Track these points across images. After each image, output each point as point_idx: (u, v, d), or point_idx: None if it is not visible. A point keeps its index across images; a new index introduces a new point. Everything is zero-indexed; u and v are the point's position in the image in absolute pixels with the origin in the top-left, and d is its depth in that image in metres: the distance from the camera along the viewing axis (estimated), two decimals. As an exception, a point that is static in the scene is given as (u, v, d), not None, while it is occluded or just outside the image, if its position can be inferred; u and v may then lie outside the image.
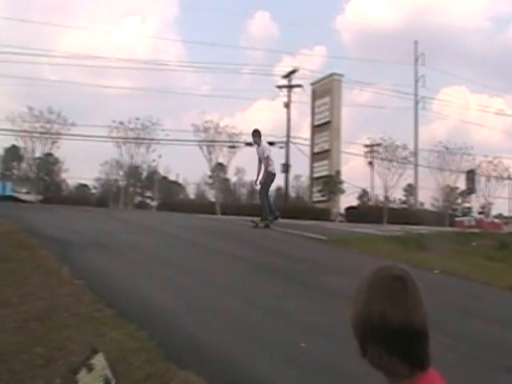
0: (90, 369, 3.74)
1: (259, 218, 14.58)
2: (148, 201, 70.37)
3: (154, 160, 50.21)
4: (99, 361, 3.77)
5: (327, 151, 44.88)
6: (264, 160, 14.29)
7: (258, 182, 14.71)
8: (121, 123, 44.35)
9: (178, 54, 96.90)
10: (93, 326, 4.81)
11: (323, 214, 35.03)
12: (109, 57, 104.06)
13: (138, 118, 44.17)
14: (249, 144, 45.15)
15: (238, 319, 5.78)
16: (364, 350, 1.56)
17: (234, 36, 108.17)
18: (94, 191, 72.99)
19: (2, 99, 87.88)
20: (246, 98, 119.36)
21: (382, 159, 43.75)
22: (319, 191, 44.39)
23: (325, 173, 44.46)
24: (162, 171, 67.01)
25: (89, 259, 8.02)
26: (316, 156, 45.96)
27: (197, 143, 43.75)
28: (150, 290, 6.69)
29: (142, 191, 72.39)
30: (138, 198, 68.60)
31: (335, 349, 5.00)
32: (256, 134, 14.82)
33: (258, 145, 14.59)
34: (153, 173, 65.12)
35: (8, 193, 45.34)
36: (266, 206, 14.42)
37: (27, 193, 50.87)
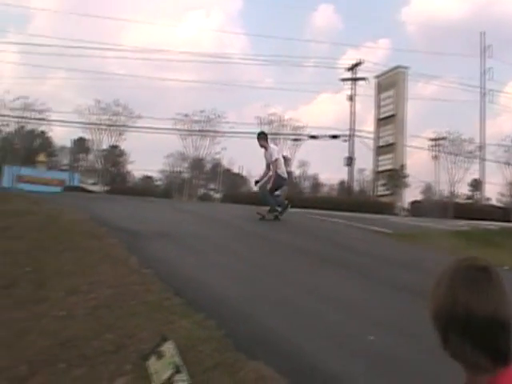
0: (160, 356, 3.80)
1: (267, 210, 13.35)
2: (211, 193, 71.04)
3: (218, 152, 50.72)
4: (169, 348, 3.83)
5: (392, 145, 44.32)
6: (272, 164, 13.26)
7: (258, 185, 13.84)
8: (185, 116, 45.06)
9: (241, 47, 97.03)
10: (162, 315, 4.90)
11: (387, 208, 34.66)
12: (174, 50, 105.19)
13: (202, 111, 44.76)
14: (313, 137, 45.30)
15: (304, 311, 5.76)
16: (445, 341, 1.52)
17: (297, 29, 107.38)
18: (158, 183, 74.23)
19: (70, 93, 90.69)
20: (310, 90, 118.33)
21: (447, 153, 42.90)
22: (383, 185, 43.90)
23: (389, 166, 43.95)
24: (225, 163, 67.57)
25: (156, 249, 8.17)
26: (380, 149, 45.45)
27: (261, 135, 43.86)
28: (215, 280, 6.75)
29: (205, 183, 73.07)
30: (202, 190, 69.31)
31: (401, 342, 4.95)
32: (262, 137, 13.82)
33: (266, 148, 13.48)
34: (216, 165, 65.68)
35: (76, 184, 46.70)
36: (270, 200, 13.32)
37: (94, 184, 52.36)
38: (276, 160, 13.31)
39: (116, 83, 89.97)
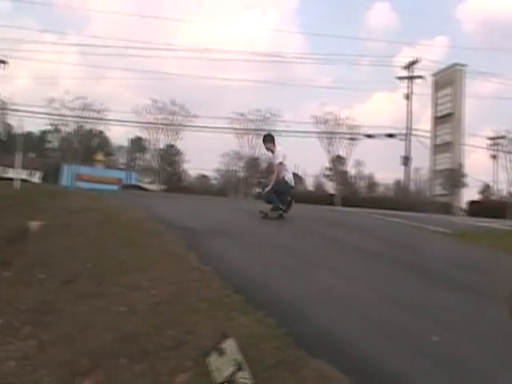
0: (222, 353, 3.80)
1: (270, 208, 12.45)
2: (267, 191, 71.06)
3: (273, 151, 50.73)
4: (230, 345, 3.83)
5: (449, 143, 43.64)
6: (277, 168, 12.60)
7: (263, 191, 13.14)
8: (241, 115, 45.31)
9: (297, 46, 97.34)
10: (222, 312, 4.90)
11: (444, 208, 34.09)
12: (230, 50, 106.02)
13: (258, 110, 44.93)
14: (369, 136, 44.92)
15: (366, 310, 5.68)
16: None
17: (353, 27, 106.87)
18: (213, 182, 74.85)
19: (127, 93, 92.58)
20: (366, 89, 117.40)
21: (506, 152, 41.82)
22: (440, 184, 43.14)
23: (446, 166, 43.29)
24: (280, 162, 67.51)
25: (214, 246, 8.21)
26: (437, 148, 44.80)
27: (317, 135, 43.84)
28: (274, 278, 6.74)
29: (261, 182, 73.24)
30: (257, 189, 69.58)
31: (465, 343, 4.82)
32: (268, 139, 13.14)
33: (272, 152, 12.85)
34: (272, 164, 65.71)
35: (133, 182, 47.55)
36: (273, 199, 12.38)
37: (150, 182, 53.20)
38: (281, 164, 12.59)
39: (172, 83, 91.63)
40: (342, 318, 5.35)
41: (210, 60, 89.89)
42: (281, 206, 12.36)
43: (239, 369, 3.65)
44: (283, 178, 12.48)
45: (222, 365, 3.73)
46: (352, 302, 5.94)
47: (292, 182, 12.89)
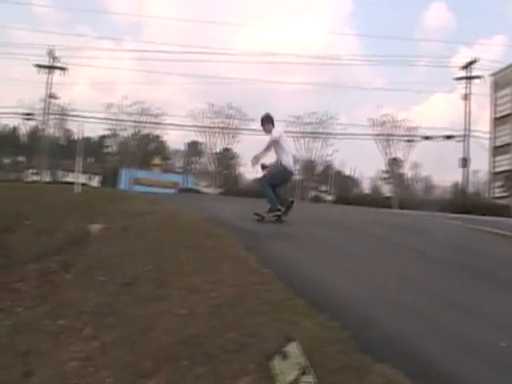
0: (285, 356, 3.77)
1: (267, 210, 10.95)
2: (323, 195, 70.96)
3: (329, 154, 50.71)
4: (294, 349, 3.79)
5: (509, 145, 42.53)
6: (274, 147, 11.09)
7: (261, 167, 11.33)
8: (297, 118, 45.37)
9: (352, 48, 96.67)
10: (284, 315, 4.86)
11: (504, 211, 33.11)
12: (285, 53, 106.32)
13: (314, 113, 44.93)
14: (427, 138, 44.20)
15: (429, 313, 5.56)
16: None
17: (408, 28, 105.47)
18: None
19: (184, 97, 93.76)
20: (422, 91, 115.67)
21: None
22: (500, 187, 42.11)
23: (507, 167, 42.17)
24: (337, 165, 67.37)
25: (274, 249, 8.17)
26: (497, 150, 43.72)
27: (373, 137, 43.50)
28: (335, 281, 6.67)
29: (317, 185, 73.07)
30: (313, 192, 69.44)
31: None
32: (266, 120, 11.51)
33: (270, 132, 11.28)
34: (328, 167, 65.57)
35: (189, 186, 48.10)
36: (269, 195, 10.96)
37: (207, 186, 53.69)
38: (276, 142, 11.03)
39: (229, 87, 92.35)
40: (405, 322, 5.25)
41: (265, 63, 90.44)
42: (278, 207, 10.92)
43: (304, 373, 3.61)
44: (281, 164, 11.05)
45: (286, 368, 3.70)
46: (415, 306, 5.82)
47: (292, 167, 11.51)
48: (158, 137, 58.47)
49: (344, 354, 4.06)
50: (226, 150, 54.34)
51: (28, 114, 52.57)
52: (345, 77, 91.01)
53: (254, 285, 5.83)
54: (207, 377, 4.13)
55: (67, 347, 6.12)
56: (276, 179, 11.11)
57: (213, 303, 5.43)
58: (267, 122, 11.40)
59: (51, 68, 52.25)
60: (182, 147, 72.73)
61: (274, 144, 11.03)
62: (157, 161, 54.07)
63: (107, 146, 77.09)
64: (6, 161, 78.89)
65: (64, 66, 52.30)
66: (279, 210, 10.93)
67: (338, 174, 70.63)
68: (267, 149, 11.12)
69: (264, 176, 11.19)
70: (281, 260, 7.41)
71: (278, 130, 11.51)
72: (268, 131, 11.29)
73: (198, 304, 5.55)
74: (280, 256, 7.74)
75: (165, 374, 4.44)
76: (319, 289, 6.10)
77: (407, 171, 60.66)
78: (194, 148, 68.77)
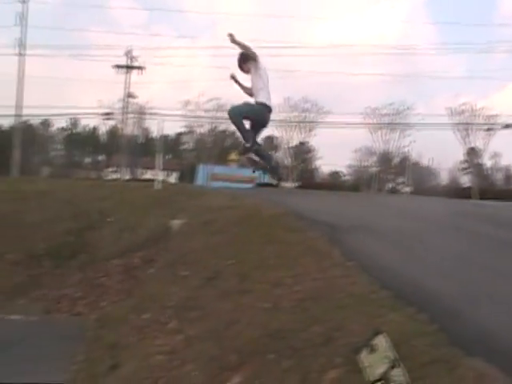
0: (373, 350, 3.72)
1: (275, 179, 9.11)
2: (400, 186, 69.88)
3: (406, 145, 49.93)
4: (382, 342, 3.73)
5: None
6: (252, 77, 9.17)
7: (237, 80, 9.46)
8: (374, 109, 44.89)
9: (428, 36, 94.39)
10: (370, 307, 4.81)
11: None
12: (360, 44, 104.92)
13: (391, 104, 44.35)
14: (508, 126, 42.59)
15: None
16: None
17: (485, 14, 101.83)
18: (346, 178, 74.45)
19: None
20: (503, 78, 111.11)
21: None
22: None
23: None
24: (414, 156, 66.18)
25: (356, 242, 8.09)
26: None
27: (451, 127, 42.49)
28: (419, 273, 6.51)
29: (393, 177, 72.01)
30: (390, 184, 68.46)
31: None
32: (242, 58, 9.15)
33: (249, 71, 9.20)
34: (405, 158, 64.53)
35: (266, 180, 48.22)
36: (243, 129, 9.20)
37: (283, 180, 53.72)
38: (256, 61, 9.08)
39: (304, 80, 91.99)
40: (497, 316, 5.07)
41: (341, 56, 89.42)
42: (249, 145, 9.21)
43: (393, 366, 3.55)
44: (260, 103, 9.13)
45: (374, 361, 3.65)
46: (507, 300, 5.62)
47: (270, 102, 9.29)
48: (234, 132, 59.02)
49: (433, 347, 3.98)
50: (302, 144, 54.32)
51: (107, 114, 54.26)
52: (422, 66, 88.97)
53: (338, 278, 5.80)
54: (294, 370, 4.14)
55: (152, 341, 6.28)
56: (251, 115, 9.25)
57: (297, 297, 5.44)
58: (245, 59, 9.15)
59: (129, 68, 53.58)
60: (257, 142, 73.17)
61: (255, 72, 9.15)
62: (233, 156, 54.44)
63: (184, 143, 78.40)
64: (87, 160, 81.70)
65: (141, 65, 53.55)
66: (249, 149, 9.26)
67: (416, 165, 69.35)
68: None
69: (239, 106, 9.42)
70: (364, 253, 7.33)
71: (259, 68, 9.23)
72: (245, 71, 9.29)
73: (281, 298, 5.57)
74: (363, 248, 7.66)
75: (251, 368, 4.48)
76: (405, 281, 5.99)
77: (486, 161, 59.02)
78: (269, 142, 69.03)
